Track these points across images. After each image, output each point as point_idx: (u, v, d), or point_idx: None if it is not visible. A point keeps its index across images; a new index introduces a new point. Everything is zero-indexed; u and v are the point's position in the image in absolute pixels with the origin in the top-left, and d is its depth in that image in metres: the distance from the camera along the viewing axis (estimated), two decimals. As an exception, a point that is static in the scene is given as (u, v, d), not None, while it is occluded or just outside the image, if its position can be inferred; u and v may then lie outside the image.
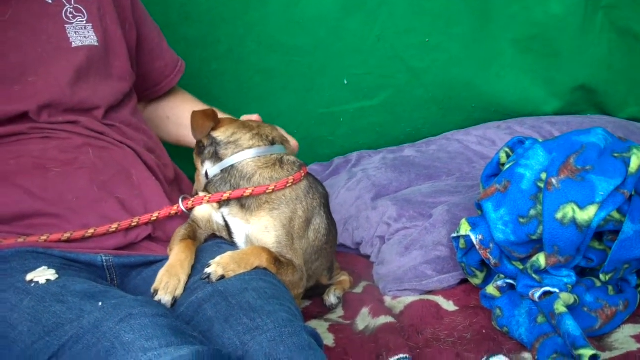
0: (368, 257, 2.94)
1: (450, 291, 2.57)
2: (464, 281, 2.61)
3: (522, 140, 2.51)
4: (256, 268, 2.05)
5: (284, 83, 3.46)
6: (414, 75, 3.49)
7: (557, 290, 2.16)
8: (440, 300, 2.52)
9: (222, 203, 2.21)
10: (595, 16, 3.37)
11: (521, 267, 2.32)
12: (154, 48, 2.59)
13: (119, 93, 2.34)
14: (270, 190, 2.17)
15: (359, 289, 2.73)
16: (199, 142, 2.34)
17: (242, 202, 2.19)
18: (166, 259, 2.17)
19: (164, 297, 1.97)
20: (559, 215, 2.12)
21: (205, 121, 2.28)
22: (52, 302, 1.85)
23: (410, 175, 3.26)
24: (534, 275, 2.20)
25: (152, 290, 1.99)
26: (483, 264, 2.44)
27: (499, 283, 2.32)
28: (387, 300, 2.57)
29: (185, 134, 2.52)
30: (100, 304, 1.81)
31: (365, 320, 2.44)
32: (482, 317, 2.39)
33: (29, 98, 2.16)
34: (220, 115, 2.38)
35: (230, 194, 2.17)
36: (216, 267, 2.00)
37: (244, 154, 2.23)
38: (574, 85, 3.53)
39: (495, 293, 2.40)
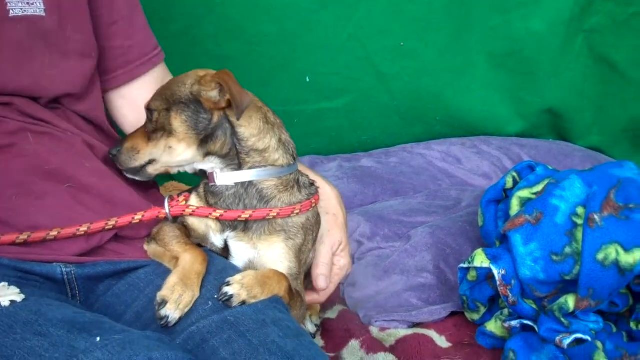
0: (332, 276, 2.66)
1: (441, 324, 2.33)
2: (453, 313, 2.38)
3: (532, 165, 2.32)
4: None
5: (239, 74, 2.94)
6: (381, 80, 3.24)
7: (589, 339, 1.96)
8: (433, 335, 2.27)
9: (227, 224, 1.83)
10: (575, 39, 3.23)
11: (535, 306, 2.11)
12: (117, 21, 2.04)
13: (80, 75, 1.89)
14: (296, 213, 1.83)
15: (332, 314, 2.43)
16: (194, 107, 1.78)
17: (249, 225, 1.82)
18: (141, 265, 1.80)
19: (173, 313, 1.60)
20: (600, 256, 1.92)
21: (244, 94, 1.74)
22: (26, 334, 1.45)
23: (376, 188, 3.07)
24: (562, 319, 1.99)
25: (158, 299, 1.61)
26: (490, 300, 2.21)
27: (513, 323, 2.10)
28: (374, 331, 2.29)
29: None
30: (98, 339, 1.41)
31: (356, 354, 2.16)
32: (485, 358, 2.16)
33: None
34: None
35: (251, 215, 1.79)
36: (240, 288, 1.63)
37: (267, 171, 1.82)
38: (542, 108, 3.39)
39: (499, 332, 2.18)
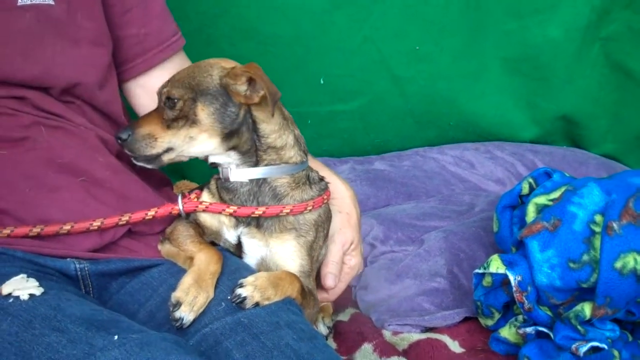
0: (345, 278, 2.65)
1: (454, 329, 2.31)
2: (466, 319, 2.36)
3: (548, 172, 2.30)
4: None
5: (253, 74, 3.09)
6: (396, 83, 3.23)
7: (606, 347, 1.94)
8: (446, 339, 2.25)
9: (241, 220, 1.82)
10: (592, 46, 3.22)
11: (550, 313, 2.09)
12: (131, 9, 1.99)
13: (92, 64, 1.85)
14: (309, 210, 1.82)
15: (344, 317, 2.42)
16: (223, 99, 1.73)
17: (261, 222, 1.82)
18: (154, 263, 1.79)
19: (187, 315, 1.58)
20: (618, 264, 1.91)
21: (275, 88, 1.72)
22: (44, 329, 1.44)
23: (389, 191, 3.06)
24: (578, 327, 1.97)
25: (172, 300, 1.59)
26: (504, 306, 2.19)
27: (529, 329, 2.08)
28: (387, 334, 2.27)
29: None
30: (115, 337, 1.40)
31: (369, 358, 2.15)
32: (500, 364, 2.15)
33: None
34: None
35: (265, 211, 1.78)
36: (253, 290, 1.62)
37: (281, 169, 1.81)
38: (556, 115, 3.37)
39: (514, 338, 2.16)
